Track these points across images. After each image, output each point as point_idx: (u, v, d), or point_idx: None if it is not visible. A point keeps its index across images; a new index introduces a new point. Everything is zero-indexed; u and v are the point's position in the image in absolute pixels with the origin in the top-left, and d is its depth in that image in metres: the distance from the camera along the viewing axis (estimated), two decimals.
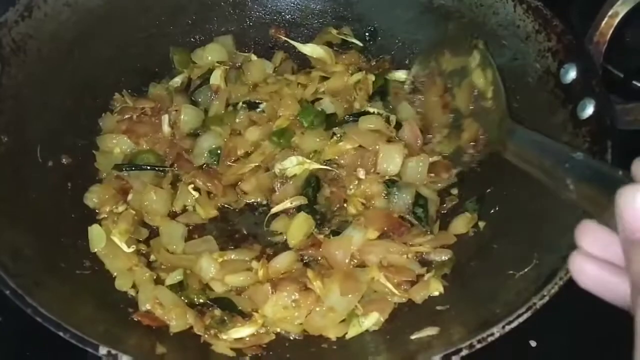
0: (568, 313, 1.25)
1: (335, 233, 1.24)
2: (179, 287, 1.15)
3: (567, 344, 1.27)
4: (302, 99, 1.41)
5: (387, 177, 1.30)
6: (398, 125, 1.37)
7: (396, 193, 1.28)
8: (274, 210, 1.28)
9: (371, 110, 1.39)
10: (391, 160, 1.30)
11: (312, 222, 1.26)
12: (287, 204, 1.27)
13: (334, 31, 1.55)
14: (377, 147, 1.30)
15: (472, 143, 1.23)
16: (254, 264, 1.20)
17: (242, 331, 1.09)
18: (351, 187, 1.31)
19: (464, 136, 1.26)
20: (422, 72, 1.40)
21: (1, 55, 1.14)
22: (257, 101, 1.41)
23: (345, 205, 1.30)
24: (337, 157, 1.34)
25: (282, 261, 1.18)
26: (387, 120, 1.37)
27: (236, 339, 1.09)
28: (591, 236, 0.66)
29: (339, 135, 1.35)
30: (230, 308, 1.13)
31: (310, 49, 1.50)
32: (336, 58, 1.51)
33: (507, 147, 1.01)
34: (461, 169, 1.32)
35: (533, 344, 1.26)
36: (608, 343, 1.26)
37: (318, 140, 1.34)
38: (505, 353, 1.21)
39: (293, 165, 1.30)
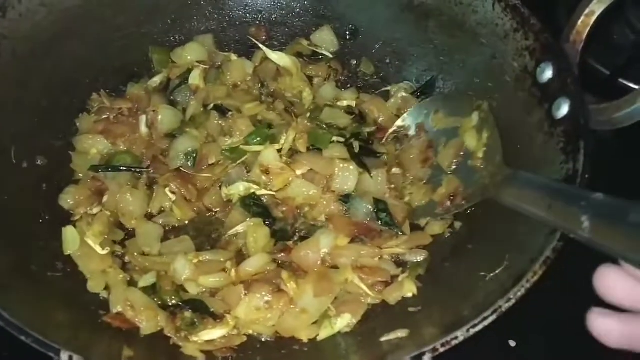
0: (547, 313, 1.25)
1: (304, 238, 1.23)
2: (151, 290, 1.15)
3: (546, 344, 1.27)
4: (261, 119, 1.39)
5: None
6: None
7: (354, 206, 1.26)
8: (229, 233, 1.25)
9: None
10: (346, 181, 1.27)
11: (267, 232, 1.24)
12: (239, 229, 1.25)
13: (305, 42, 1.54)
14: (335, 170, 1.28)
15: (449, 198, 1.23)
16: (229, 264, 1.19)
17: (213, 333, 1.09)
18: (306, 208, 1.29)
19: (440, 191, 1.25)
20: (410, 124, 1.38)
21: None
22: (226, 108, 1.39)
23: (304, 213, 1.29)
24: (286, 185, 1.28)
25: (254, 264, 1.17)
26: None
27: (207, 341, 1.08)
28: (612, 281, 0.64)
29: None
30: (202, 310, 1.12)
31: (278, 57, 1.48)
32: (304, 68, 1.50)
33: (503, 193, 1.02)
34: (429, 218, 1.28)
35: (512, 344, 1.26)
36: (587, 344, 1.26)
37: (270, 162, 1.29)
38: (485, 353, 1.22)
39: (240, 191, 1.28)
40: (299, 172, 1.28)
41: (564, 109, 1.11)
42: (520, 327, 1.23)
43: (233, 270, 1.17)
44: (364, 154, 1.33)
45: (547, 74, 1.17)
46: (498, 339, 1.26)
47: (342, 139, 1.34)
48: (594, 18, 1.18)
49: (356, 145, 1.33)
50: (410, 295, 1.15)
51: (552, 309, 1.24)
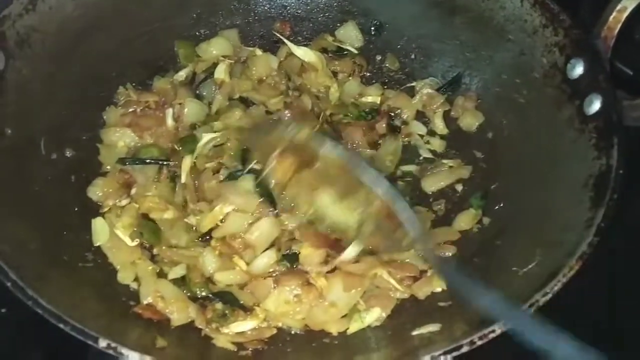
0: (568, 309, 1.24)
1: None
2: (181, 281, 1.15)
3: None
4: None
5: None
6: None
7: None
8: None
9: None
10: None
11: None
12: None
13: (330, 38, 1.54)
14: None
15: None
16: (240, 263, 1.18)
17: (243, 325, 1.09)
18: None
19: None
20: None
21: (5, 49, 1.13)
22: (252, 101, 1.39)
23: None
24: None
25: (261, 263, 1.17)
26: None
27: (237, 333, 1.09)
28: None
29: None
30: (232, 302, 1.12)
31: (303, 52, 1.47)
32: (329, 64, 1.49)
33: None
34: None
35: None
36: (609, 342, 1.26)
37: None
38: (505, 350, 1.21)
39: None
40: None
41: (595, 105, 1.11)
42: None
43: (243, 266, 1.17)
44: None
45: (578, 70, 1.16)
46: None
47: None
48: (625, 14, 1.17)
49: None
50: (439, 290, 1.15)
51: (574, 304, 1.24)
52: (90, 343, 0.86)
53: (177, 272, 1.16)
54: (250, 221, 1.19)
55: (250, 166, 1.24)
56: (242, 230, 1.18)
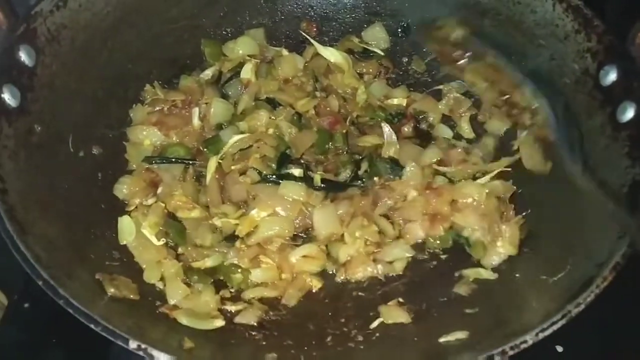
0: (596, 318, 1.23)
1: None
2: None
3: (594, 349, 1.25)
4: None
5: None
6: None
7: None
8: None
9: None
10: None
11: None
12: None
13: (356, 39, 1.54)
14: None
15: None
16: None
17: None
18: None
19: None
20: None
21: (36, 45, 1.14)
22: (278, 102, 1.40)
23: None
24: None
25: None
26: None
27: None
28: None
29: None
30: None
31: (330, 53, 1.47)
32: (355, 65, 1.49)
33: None
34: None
35: (560, 349, 1.24)
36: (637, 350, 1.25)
37: None
38: (531, 358, 1.21)
39: None
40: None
41: (629, 113, 1.10)
42: (568, 332, 1.21)
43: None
44: None
45: (611, 76, 1.15)
46: (545, 344, 1.24)
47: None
48: None
49: None
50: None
51: (602, 313, 1.23)
52: (120, 343, 0.86)
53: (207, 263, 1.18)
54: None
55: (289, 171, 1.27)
56: (278, 234, 1.20)
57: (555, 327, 0.89)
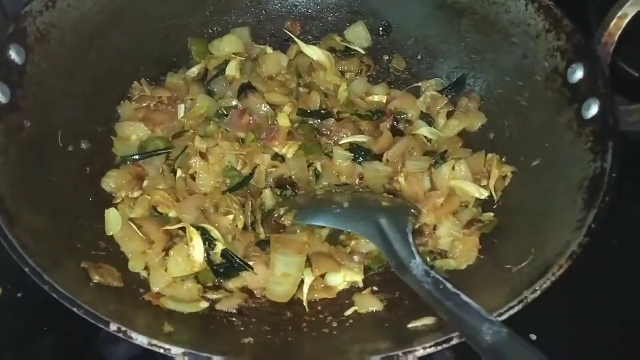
0: (567, 307, 1.28)
1: None
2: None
3: (566, 337, 1.30)
4: None
5: None
6: None
7: None
8: None
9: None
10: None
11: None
12: None
13: (338, 38, 1.58)
14: None
15: None
16: None
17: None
18: None
19: None
20: None
21: (26, 44, 1.18)
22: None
23: None
24: None
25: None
26: None
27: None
28: None
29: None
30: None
31: (313, 51, 1.51)
32: (337, 64, 1.53)
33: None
34: None
35: (533, 337, 1.27)
36: (610, 336, 1.29)
37: None
38: None
39: None
40: None
41: (593, 110, 1.14)
42: (541, 321, 1.26)
43: None
44: None
45: (578, 74, 1.19)
46: (519, 332, 1.28)
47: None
48: (626, 20, 1.20)
49: None
50: None
51: (574, 301, 1.28)
52: (101, 326, 0.91)
53: None
54: None
55: None
56: None
57: (511, 312, 0.93)
